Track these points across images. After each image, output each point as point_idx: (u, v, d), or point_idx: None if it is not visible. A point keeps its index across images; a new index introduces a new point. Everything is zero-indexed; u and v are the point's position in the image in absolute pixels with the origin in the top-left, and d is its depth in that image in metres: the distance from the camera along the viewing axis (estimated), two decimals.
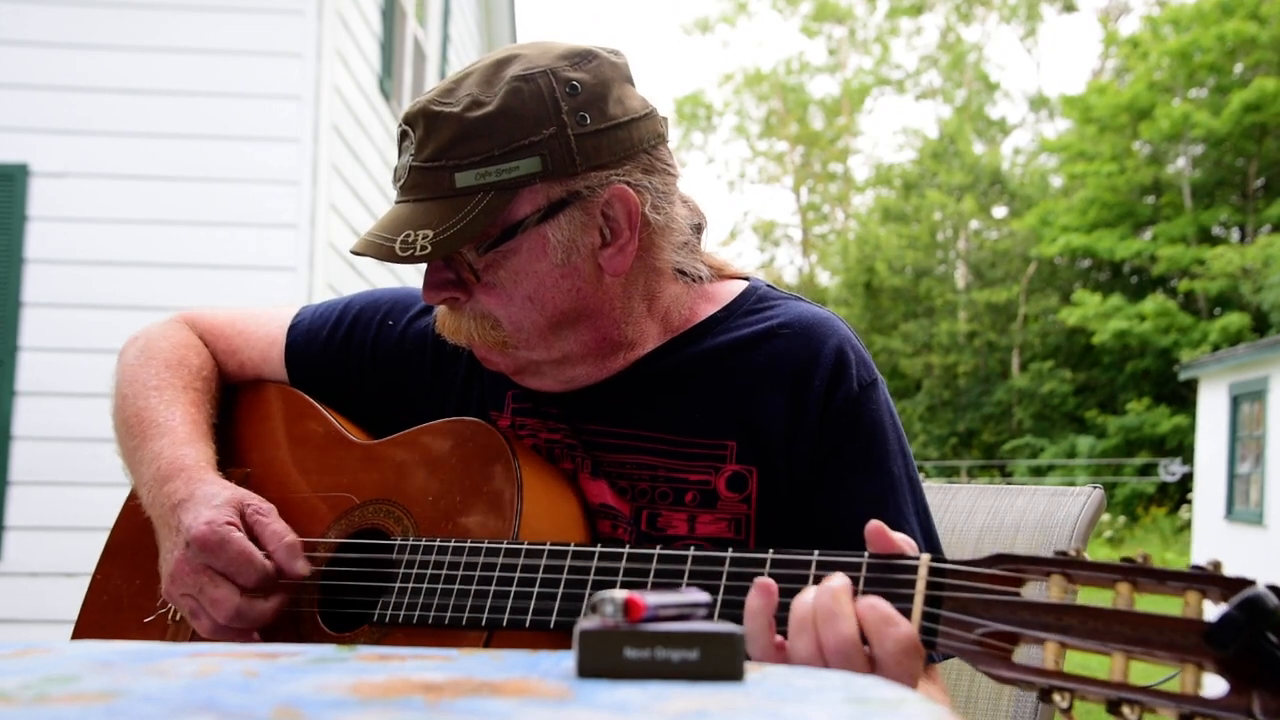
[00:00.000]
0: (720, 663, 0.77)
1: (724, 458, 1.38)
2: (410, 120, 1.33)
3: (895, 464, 1.39)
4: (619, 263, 1.36)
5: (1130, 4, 35.37)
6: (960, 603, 1.02)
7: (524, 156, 1.29)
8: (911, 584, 1.05)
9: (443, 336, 1.42)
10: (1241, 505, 11.19)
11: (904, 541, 1.10)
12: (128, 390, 1.57)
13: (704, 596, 0.89)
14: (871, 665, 1.03)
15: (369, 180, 7.20)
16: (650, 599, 0.82)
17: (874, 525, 1.09)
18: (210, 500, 1.37)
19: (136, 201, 5.99)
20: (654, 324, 1.43)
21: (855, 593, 1.06)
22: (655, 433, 1.40)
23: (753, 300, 1.47)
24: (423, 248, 1.28)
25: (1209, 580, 0.92)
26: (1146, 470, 23.18)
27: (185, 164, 6.04)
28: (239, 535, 1.34)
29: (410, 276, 8.43)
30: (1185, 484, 20.21)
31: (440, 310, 1.41)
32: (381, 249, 1.30)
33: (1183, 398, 22.43)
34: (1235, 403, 11.12)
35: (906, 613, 1.04)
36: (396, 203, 1.35)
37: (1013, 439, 27.14)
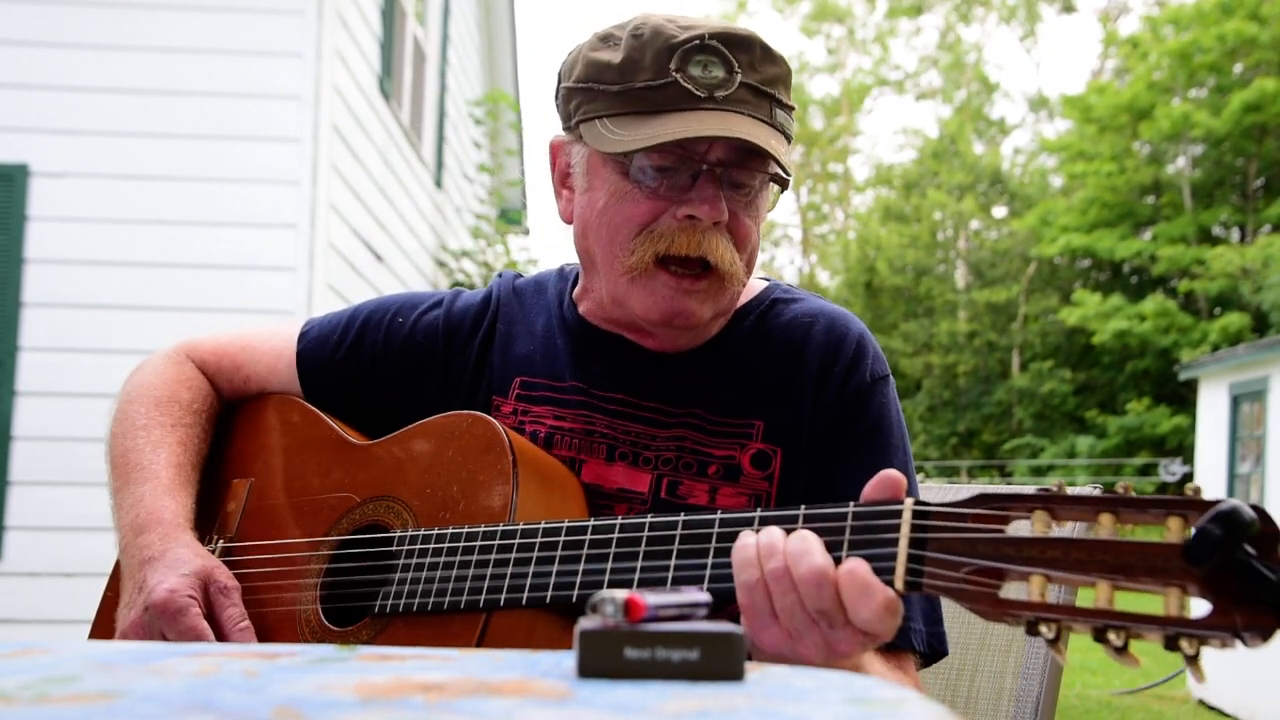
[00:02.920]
0: (720, 663, 0.77)
1: (750, 436, 1.43)
2: (731, 42, 1.36)
3: (896, 458, 1.43)
4: None
5: (1130, 4, 35.39)
6: (945, 543, 1.02)
7: (794, 121, 1.43)
8: (896, 528, 1.06)
9: (689, 254, 1.37)
10: (1239, 500, 11.16)
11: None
12: (117, 429, 1.59)
13: (704, 596, 0.89)
14: (844, 613, 1.05)
15: (369, 180, 7.20)
16: (650, 599, 0.82)
17: (886, 472, 1.11)
18: (178, 567, 1.38)
19: (136, 201, 5.99)
20: None
21: (840, 544, 1.08)
22: (686, 408, 1.44)
23: (778, 292, 1.54)
24: (786, 166, 1.37)
25: (1189, 505, 0.92)
26: (1146, 470, 23.16)
27: (185, 164, 6.04)
28: (195, 611, 1.35)
29: (412, 280, 8.42)
30: (1185, 484, 20.18)
31: (684, 230, 1.37)
32: (768, 145, 1.33)
33: (1183, 398, 22.42)
34: (1235, 403, 11.12)
35: (892, 556, 1.05)
36: (718, 109, 1.35)
37: (1013, 439, 27.14)
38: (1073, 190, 28.47)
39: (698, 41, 1.35)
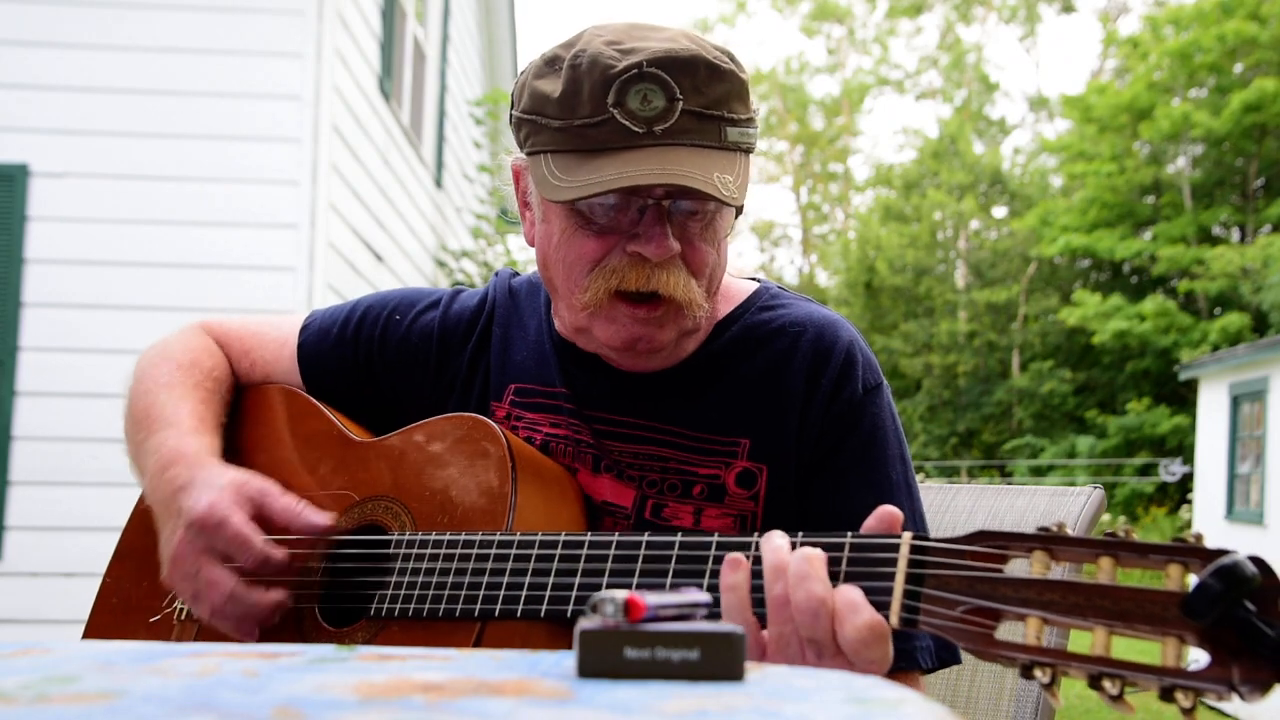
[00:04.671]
0: (720, 663, 0.77)
1: (735, 454, 1.40)
2: (672, 67, 1.29)
3: (894, 469, 1.40)
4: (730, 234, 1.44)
5: (1130, 4, 35.38)
6: (942, 580, 1.02)
7: (755, 127, 1.37)
8: (893, 562, 1.05)
9: (640, 289, 1.34)
10: (1241, 505, 11.18)
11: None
12: (138, 389, 1.58)
13: (704, 596, 0.89)
14: (835, 642, 1.04)
15: (369, 180, 7.19)
16: (650, 599, 0.82)
17: (885, 509, 1.10)
18: (211, 483, 1.37)
19: (136, 201, 5.99)
20: None
21: (837, 575, 1.07)
22: (670, 425, 1.42)
23: (765, 299, 1.50)
24: (731, 194, 1.29)
25: (1190, 553, 0.91)
26: (1146, 470, 23.16)
27: (185, 164, 6.04)
28: (239, 517, 1.34)
29: (412, 281, 8.41)
30: (1185, 484, 20.20)
31: (633, 266, 1.34)
32: (706, 184, 1.27)
33: (1183, 398, 22.42)
34: (1235, 403, 11.12)
35: (888, 591, 1.05)
36: (658, 144, 1.30)
37: (1013, 439, 27.12)
38: (1073, 190, 28.46)
39: (635, 71, 1.28)
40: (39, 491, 5.83)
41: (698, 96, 1.30)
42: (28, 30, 6.04)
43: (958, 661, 1.38)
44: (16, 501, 5.84)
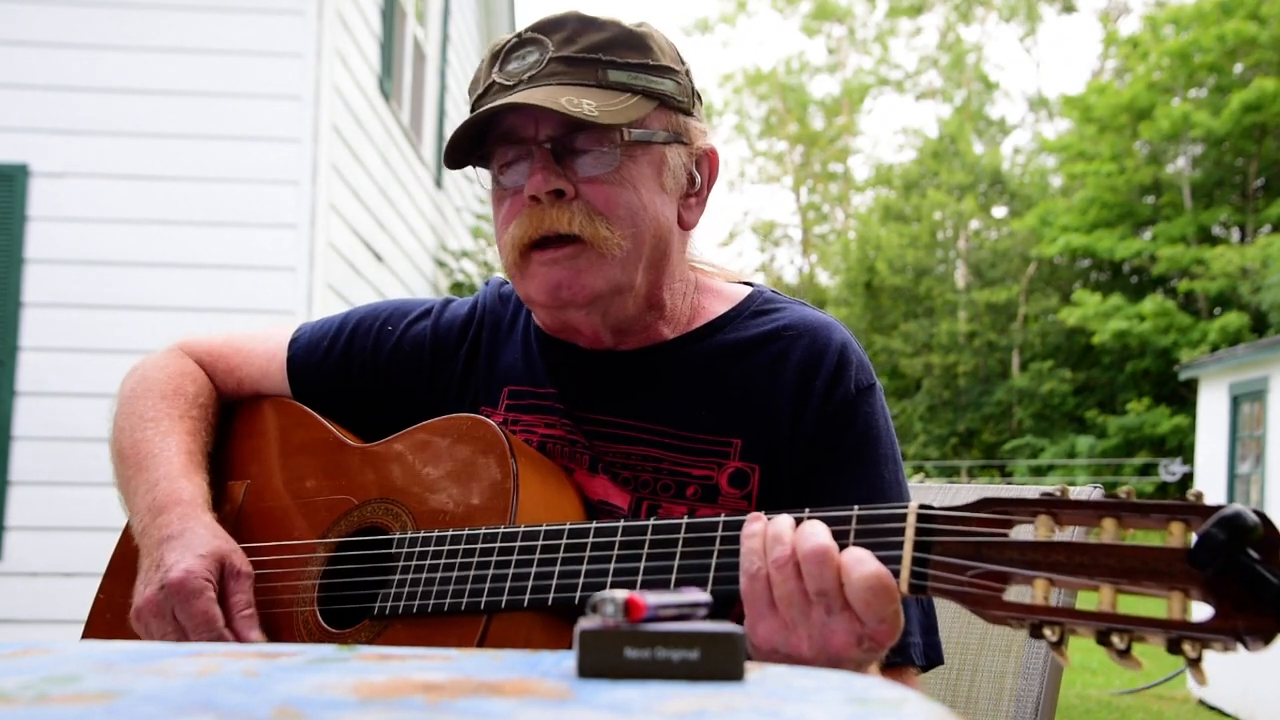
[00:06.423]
0: (720, 663, 0.77)
1: (728, 454, 1.40)
2: (546, 27, 1.38)
3: (887, 468, 1.41)
4: (692, 216, 1.45)
5: (1130, 4, 35.40)
6: (949, 547, 1.04)
7: (668, 78, 1.40)
8: (901, 531, 1.07)
9: (530, 240, 1.37)
10: (1241, 505, 11.16)
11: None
12: (124, 423, 1.59)
13: (704, 596, 0.89)
14: (843, 594, 1.06)
15: (369, 180, 7.19)
16: (651, 599, 0.82)
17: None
18: (195, 547, 1.38)
19: (136, 201, 5.99)
20: (676, 303, 1.48)
21: (845, 547, 1.09)
22: (661, 426, 1.42)
23: (759, 302, 1.50)
24: (590, 112, 1.31)
25: (1191, 510, 0.93)
26: (1146, 470, 23.16)
27: (185, 164, 6.04)
28: (210, 595, 1.36)
29: (413, 280, 8.42)
30: (1185, 484, 20.20)
31: (527, 213, 1.37)
32: (549, 103, 1.30)
33: (1183, 398, 22.42)
34: (1235, 403, 11.11)
35: (897, 559, 1.06)
36: (526, 89, 1.34)
37: (1013, 439, 27.14)
38: (1073, 190, 28.47)
39: (516, 39, 1.39)
40: (39, 491, 5.83)
41: (570, 45, 1.36)
42: (28, 30, 6.04)
43: (941, 662, 1.39)
44: (16, 501, 5.84)
